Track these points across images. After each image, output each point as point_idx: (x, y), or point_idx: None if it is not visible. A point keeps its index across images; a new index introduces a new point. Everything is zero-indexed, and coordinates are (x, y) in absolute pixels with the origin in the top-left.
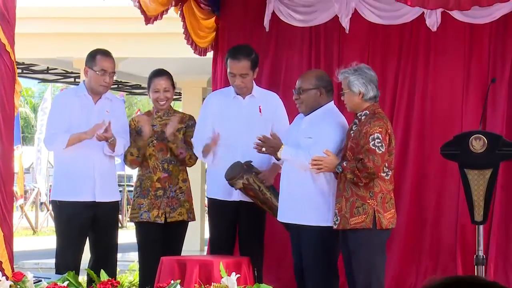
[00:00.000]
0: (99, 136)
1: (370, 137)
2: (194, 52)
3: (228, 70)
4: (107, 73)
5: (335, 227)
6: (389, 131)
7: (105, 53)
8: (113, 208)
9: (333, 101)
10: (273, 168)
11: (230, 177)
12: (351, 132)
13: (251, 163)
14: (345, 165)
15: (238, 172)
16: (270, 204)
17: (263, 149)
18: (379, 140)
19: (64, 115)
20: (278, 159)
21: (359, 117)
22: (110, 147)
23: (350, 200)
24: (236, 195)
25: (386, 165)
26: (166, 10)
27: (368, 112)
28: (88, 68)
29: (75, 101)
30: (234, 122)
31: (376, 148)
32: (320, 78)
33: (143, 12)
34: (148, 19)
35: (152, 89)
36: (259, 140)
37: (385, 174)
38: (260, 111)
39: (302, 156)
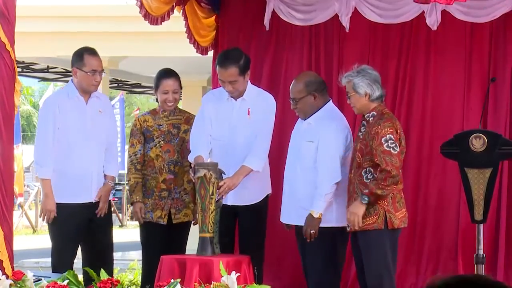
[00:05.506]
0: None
1: (383, 139)
2: (197, 51)
3: (218, 77)
4: (97, 72)
5: (348, 229)
6: (398, 130)
7: (92, 52)
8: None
9: (331, 100)
10: (237, 172)
11: (199, 163)
12: (360, 134)
13: (222, 173)
14: (367, 191)
15: (208, 166)
16: (197, 212)
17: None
18: (392, 141)
19: (56, 121)
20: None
21: (367, 119)
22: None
23: None
24: (231, 200)
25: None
26: (172, 10)
27: (375, 113)
28: (77, 69)
29: (67, 104)
30: (226, 124)
31: (391, 149)
32: (309, 83)
33: (147, 12)
34: (155, 20)
35: (161, 90)
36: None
37: None
38: (249, 114)
39: (322, 198)
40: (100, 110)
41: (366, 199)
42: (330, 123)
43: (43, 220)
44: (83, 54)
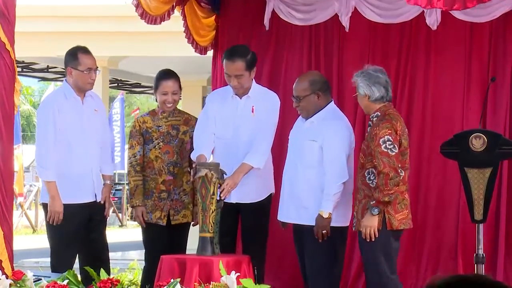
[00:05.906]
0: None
1: (381, 140)
2: (195, 51)
3: (224, 71)
4: (92, 70)
5: (353, 229)
6: (399, 131)
7: (86, 51)
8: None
9: (333, 101)
10: (237, 170)
11: (201, 163)
12: (366, 134)
13: (223, 174)
14: (374, 202)
15: (210, 165)
16: (197, 213)
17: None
18: (390, 142)
19: (57, 123)
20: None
21: (372, 119)
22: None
23: (362, 202)
24: (234, 197)
25: (400, 165)
26: (172, 10)
27: (379, 114)
28: (72, 69)
29: (66, 104)
30: (231, 122)
31: (389, 151)
32: (314, 82)
33: (144, 11)
34: (153, 19)
35: (160, 91)
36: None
37: None
38: (253, 112)
39: (331, 198)
40: (96, 109)
41: (377, 210)
42: (334, 123)
43: (51, 222)
44: (77, 53)
